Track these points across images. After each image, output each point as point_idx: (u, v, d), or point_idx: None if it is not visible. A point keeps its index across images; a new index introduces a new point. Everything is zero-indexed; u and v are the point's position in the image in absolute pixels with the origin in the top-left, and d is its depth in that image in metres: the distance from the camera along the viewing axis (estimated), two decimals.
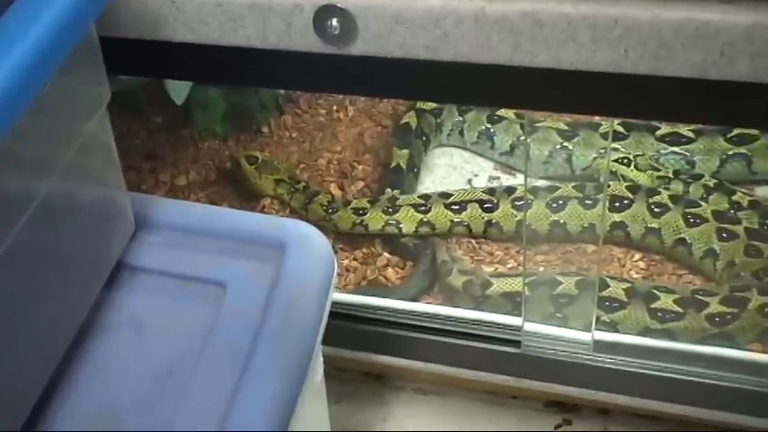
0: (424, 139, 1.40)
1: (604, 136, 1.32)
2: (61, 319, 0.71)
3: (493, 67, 0.74)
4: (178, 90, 1.22)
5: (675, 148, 1.33)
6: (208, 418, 0.67)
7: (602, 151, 1.32)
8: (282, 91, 1.50)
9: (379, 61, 0.76)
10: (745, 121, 0.77)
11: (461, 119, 1.42)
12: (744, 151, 1.31)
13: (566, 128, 1.34)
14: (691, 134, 1.33)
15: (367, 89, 0.83)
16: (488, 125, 1.40)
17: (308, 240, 0.79)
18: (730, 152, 1.31)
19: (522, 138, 1.37)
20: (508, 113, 1.41)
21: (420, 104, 1.43)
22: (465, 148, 1.43)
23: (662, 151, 1.34)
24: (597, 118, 1.33)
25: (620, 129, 1.33)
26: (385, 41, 0.75)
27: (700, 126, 1.34)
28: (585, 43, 0.71)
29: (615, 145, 1.33)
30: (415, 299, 1.22)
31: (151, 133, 1.45)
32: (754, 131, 1.30)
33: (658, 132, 1.34)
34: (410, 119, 1.41)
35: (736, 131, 1.31)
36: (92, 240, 0.74)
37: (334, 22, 0.74)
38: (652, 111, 0.75)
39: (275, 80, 0.83)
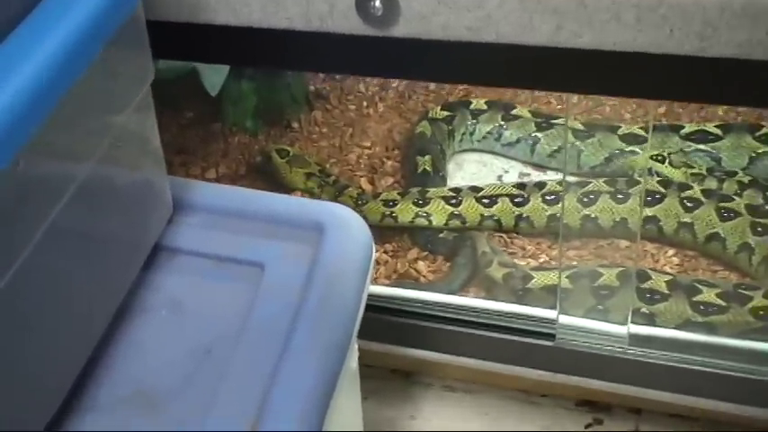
0: (439, 147, 1.40)
1: (623, 138, 1.32)
2: (100, 299, 0.71)
3: (535, 49, 0.74)
4: (213, 81, 1.22)
5: (701, 146, 1.33)
6: (248, 397, 0.67)
7: (617, 152, 1.31)
8: (312, 87, 1.51)
9: (422, 43, 0.76)
10: None
11: (474, 121, 1.43)
12: None
13: (581, 128, 1.35)
14: (718, 131, 1.32)
15: (409, 72, 0.83)
16: (502, 122, 1.42)
17: (346, 222, 0.79)
18: (760, 150, 1.30)
19: (534, 133, 1.38)
20: (523, 112, 1.41)
21: (432, 114, 1.43)
22: (474, 150, 1.44)
23: (686, 149, 1.33)
24: (629, 116, 1.33)
25: (641, 132, 1.33)
26: (428, 23, 0.75)
27: (727, 123, 1.34)
28: (630, 23, 0.70)
29: (635, 148, 1.32)
30: (456, 292, 1.21)
31: (182, 127, 1.46)
32: None
33: (683, 131, 1.34)
34: (424, 128, 1.41)
35: (765, 130, 1.30)
36: (130, 222, 0.74)
37: (377, 2, 0.74)
38: (695, 93, 0.75)
39: (316, 63, 0.84)
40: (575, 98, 1.34)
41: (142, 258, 0.77)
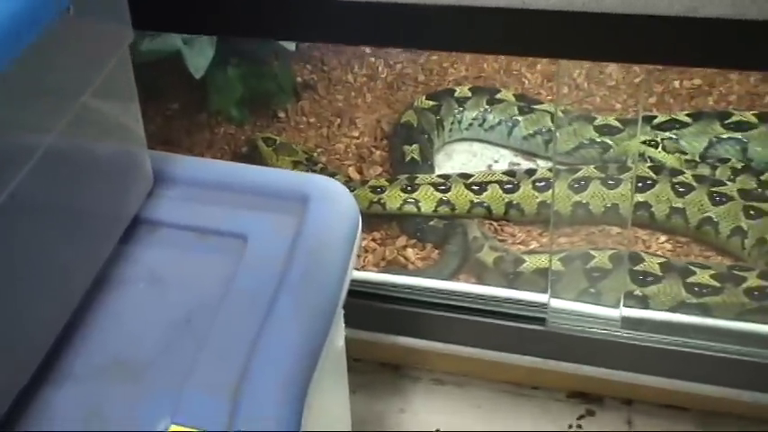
0: (427, 136, 1.39)
1: (598, 129, 1.31)
2: (76, 269, 0.69)
3: (525, 12, 0.72)
4: (197, 63, 1.20)
5: (666, 133, 1.32)
6: (228, 366, 0.65)
7: (587, 142, 1.31)
8: (300, 78, 1.49)
9: (415, 8, 0.74)
10: None
11: (461, 108, 1.42)
12: (739, 136, 1.30)
13: (561, 115, 1.33)
14: (688, 119, 1.32)
15: (401, 40, 0.81)
16: (486, 106, 1.42)
17: (332, 193, 0.77)
18: (723, 135, 1.30)
19: (515, 116, 1.39)
20: (507, 96, 1.41)
21: (418, 103, 1.43)
22: (464, 139, 1.44)
23: (654, 138, 1.33)
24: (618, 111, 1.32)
25: (616, 123, 1.32)
26: None
27: (699, 111, 1.35)
28: None
29: (606, 139, 1.31)
30: (446, 280, 1.19)
31: (167, 118, 1.44)
32: (752, 119, 1.30)
33: (655, 121, 1.33)
34: (410, 117, 1.40)
35: (734, 118, 1.30)
36: (107, 193, 0.72)
37: None
38: (688, 56, 0.73)
39: (299, 31, 0.82)
40: (565, 88, 1.33)
41: (120, 230, 0.75)
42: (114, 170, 0.73)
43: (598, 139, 1.31)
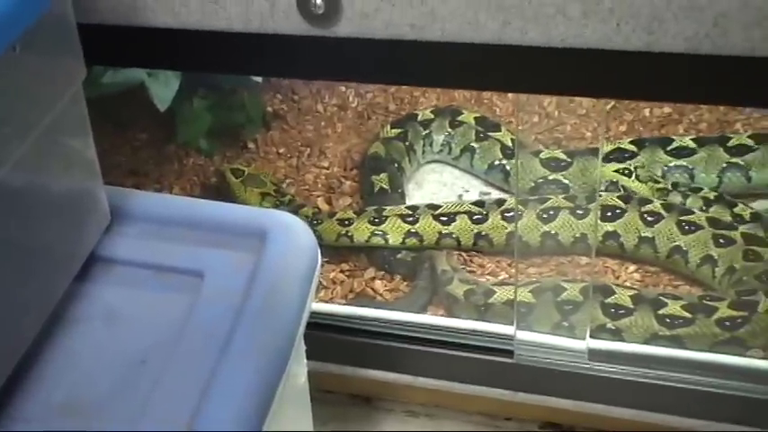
0: (396, 165, 1.38)
1: (544, 163, 1.30)
2: (27, 307, 0.68)
3: (481, 47, 0.72)
4: (162, 95, 1.19)
5: (619, 165, 1.32)
6: (181, 404, 0.64)
7: (541, 180, 1.30)
8: (270, 108, 1.49)
9: (364, 43, 0.74)
10: (742, 98, 0.75)
11: (427, 131, 1.42)
12: (684, 163, 1.31)
13: (509, 144, 1.36)
14: (634, 148, 1.32)
15: (353, 74, 0.80)
16: (450, 130, 1.42)
17: (290, 229, 0.77)
18: (671, 164, 1.31)
19: (472, 143, 1.39)
20: (468, 118, 1.41)
21: (384, 134, 1.42)
22: (437, 162, 1.44)
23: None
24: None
25: (563, 156, 1.31)
26: (370, 20, 0.73)
27: (642, 137, 1.36)
28: (576, 17, 0.69)
29: (557, 176, 1.30)
30: None
31: (135, 149, 1.43)
32: (691, 144, 1.30)
33: (601, 153, 1.31)
34: (377, 148, 1.39)
35: (675, 144, 1.31)
36: (62, 230, 0.72)
37: (318, 0, 0.72)
38: (644, 90, 0.73)
39: (258, 66, 0.81)
40: (535, 117, 1.33)
41: (75, 268, 0.74)
42: (69, 207, 0.72)
43: (550, 177, 1.30)
